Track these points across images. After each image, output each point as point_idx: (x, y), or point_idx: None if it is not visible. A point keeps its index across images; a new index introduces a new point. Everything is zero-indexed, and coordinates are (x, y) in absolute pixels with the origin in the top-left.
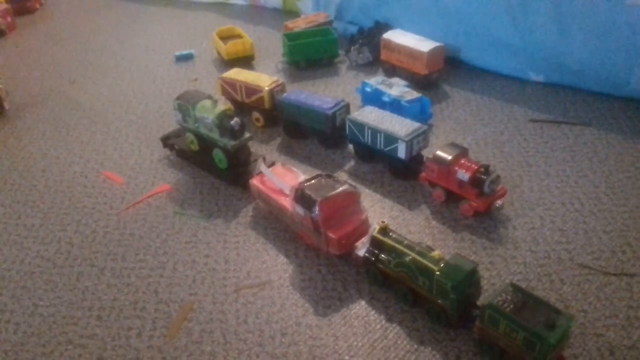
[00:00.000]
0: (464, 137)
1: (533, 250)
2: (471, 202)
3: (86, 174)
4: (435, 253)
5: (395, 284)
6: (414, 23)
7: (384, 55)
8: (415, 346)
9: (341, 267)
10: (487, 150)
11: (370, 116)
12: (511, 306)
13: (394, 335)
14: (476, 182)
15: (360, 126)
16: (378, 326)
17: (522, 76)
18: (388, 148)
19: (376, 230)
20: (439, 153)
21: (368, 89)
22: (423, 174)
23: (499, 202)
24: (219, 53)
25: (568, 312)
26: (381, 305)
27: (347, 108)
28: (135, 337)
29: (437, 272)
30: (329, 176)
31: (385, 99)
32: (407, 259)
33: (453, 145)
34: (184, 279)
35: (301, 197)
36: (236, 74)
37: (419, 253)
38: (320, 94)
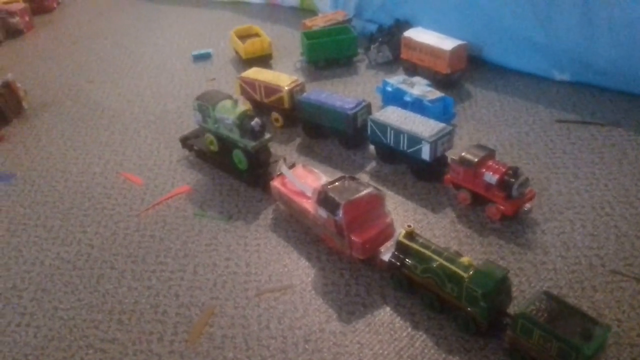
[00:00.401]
0: (488, 137)
1: (563, 256)
2: (499, 205)
3: (105, 175)
4: (465, 259)
5: (422, 290)
6: (434, 21)
7: (404, 54)
8: (444, 355)
9: (364, 271)
10: (512, 151)
11: (393, 116)
12: (545, 315)
13: (421, 344)
14: (504, 185)
15: (383, 127)
16: (404, 334)
17: (547, 75)
18: (411, 149)
19: (402, 235)
20: (465, 154)
21: (389, 89)
22: (448, 176)
23: (527, 206)
24: (236, 52)
25: (605, 323)
26: (407, 311)
27: (368, 108)
28: (157, 341)
29: (467, 279)
30: (353, 178)
31: (407, 98)
32: (435, 264)
33: (479, 146)
34: (205, 282)
35: (324, 199)
36: (255, 73)
37: (447, 259)
38: (340, 94)
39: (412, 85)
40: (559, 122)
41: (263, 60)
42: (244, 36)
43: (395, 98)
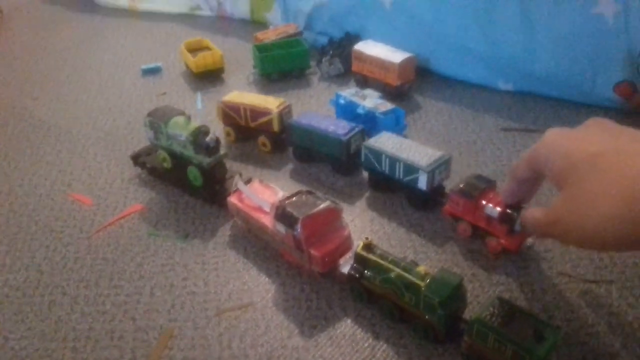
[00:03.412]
0: (439, 147)
1: (513, 260)
2: (500, 239)
3: (52, 196)
4: (421, 268)
5: (381, 300)
6: (383, 34)
7: (355, 67)
8: None
9: (324, 284)
10: (461, 160)
11: (388, 143)
12: (499, 320)
13: (382, 353)
14: (506, 218)
15: (377, 154)
16: (365, 344)
17: (492, 85)
18: (407, 178)
19: (360, 247)
20: (465, 186)
21: (342, 101)
22: (447, 207)
23: (530, 240)
24: (187, 66)
25: (555, 324)
26: (367, 322)
27: (362, 133)
28: None
29: (424, 288)
30: (310, 192)
31: (360, 111)
32: (393, 275)
33: (479, 177)
34: (163, 304)
35: (282, 215)
36: (238, 97)
37: (404, 269)
38: (332, 117)
39: (364, 97)
40: (505, 130)
41: (215, 73)
42: (194, 49)
43: (348, 111)
